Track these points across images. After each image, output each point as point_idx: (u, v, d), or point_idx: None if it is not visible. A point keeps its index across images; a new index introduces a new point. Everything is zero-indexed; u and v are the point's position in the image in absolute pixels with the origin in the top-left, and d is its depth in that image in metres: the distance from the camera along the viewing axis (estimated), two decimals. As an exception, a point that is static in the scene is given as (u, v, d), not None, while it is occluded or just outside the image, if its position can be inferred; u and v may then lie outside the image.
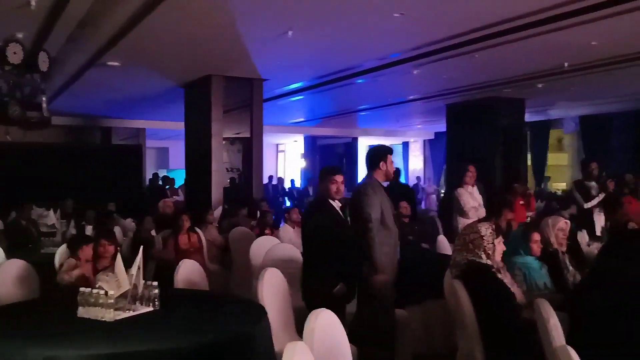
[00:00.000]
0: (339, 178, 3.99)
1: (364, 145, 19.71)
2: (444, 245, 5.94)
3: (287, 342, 2.09)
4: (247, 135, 9.61)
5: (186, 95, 10.08)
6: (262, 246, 5.24)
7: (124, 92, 10.78)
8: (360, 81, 9.58)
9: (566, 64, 8.25)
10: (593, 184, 6.23)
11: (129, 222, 8.34)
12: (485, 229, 3.36)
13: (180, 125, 10.63)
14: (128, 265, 3.09)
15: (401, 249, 5.33)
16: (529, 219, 8.13)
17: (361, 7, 5.71)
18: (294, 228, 6.59)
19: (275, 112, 12.63)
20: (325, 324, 2.41)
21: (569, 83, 9.67)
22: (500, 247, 3.39)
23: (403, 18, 5.98)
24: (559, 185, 16.33)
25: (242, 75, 9.12)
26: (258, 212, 7.85)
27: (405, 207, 6.78)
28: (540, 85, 9.83)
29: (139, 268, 3.02)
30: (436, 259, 5.11)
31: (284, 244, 5.38)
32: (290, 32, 6.51)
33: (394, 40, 7.06)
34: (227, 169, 9.74)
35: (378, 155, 4.24)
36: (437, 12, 5.88)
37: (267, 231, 6.77)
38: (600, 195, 6.11)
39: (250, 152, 9.59)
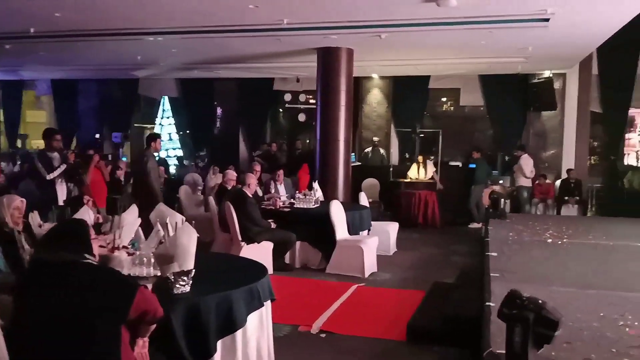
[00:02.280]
0: None
1: None
2: None
3: None
4: None
5: None
6: None
7: None
8: None
9: (32, 30, 7.58)
10: (56, 154, 5.83)
11: None
12: None
13: None
14: None
15: None
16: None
17: None
18: None
19: None
20: None
21: (38, 48, 8.95)
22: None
23: None
24: (38, 143, 15.19)
25: None
26: None
27: None
28: (8, 47, 8.66)
29: None
30: None
31: None
32: None
33: None
34: None
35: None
36: None
37: None
38: (62, 166, 5.79)
39: None
